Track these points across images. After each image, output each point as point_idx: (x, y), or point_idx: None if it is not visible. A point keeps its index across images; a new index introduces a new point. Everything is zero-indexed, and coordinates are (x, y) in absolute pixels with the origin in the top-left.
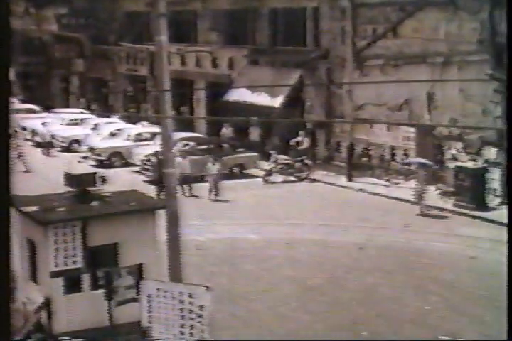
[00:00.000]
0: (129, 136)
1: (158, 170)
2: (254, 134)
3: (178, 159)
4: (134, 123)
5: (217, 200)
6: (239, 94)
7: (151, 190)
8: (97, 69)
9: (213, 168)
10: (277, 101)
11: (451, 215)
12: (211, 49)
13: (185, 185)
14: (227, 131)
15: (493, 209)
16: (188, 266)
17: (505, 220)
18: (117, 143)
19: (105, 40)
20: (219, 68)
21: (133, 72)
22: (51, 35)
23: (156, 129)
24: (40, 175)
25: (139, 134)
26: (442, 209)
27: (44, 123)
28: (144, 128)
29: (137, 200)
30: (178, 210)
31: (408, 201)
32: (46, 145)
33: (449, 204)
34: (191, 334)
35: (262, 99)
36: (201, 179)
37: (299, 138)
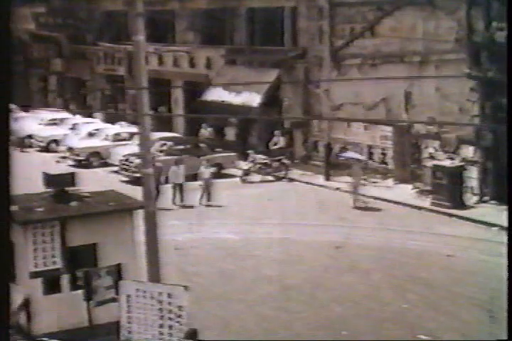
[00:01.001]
0: (107, 135)
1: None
2: (231, 134)
3: (173, 167)
4: (113, 123)
5: (209, 205)
6: (217, 94)
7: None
8: (75, 69)
9: (206, 171)
10: (255, 101)
11: (388, 208)
12: (189, 49)
13: (177, 194)
14: (206, 131)
15: (471, 207)
16: (166, 266)
17: (483, 218)
18: (96, 143)
19: (83, 40)
20: (197, 68)
21: (111, 72)
22: (29, 34)
23: (134, 129)
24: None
25: (117, 134)
26: (420, 208)
27: (16, 120)
28: (122, 128)
29: (115, 200)
30: (156, 210)
31: (386, 200)
32: (21, 144)
33: (426, 202)
34: (170, 335)
35: (240, 98)
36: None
37: (275, 139)
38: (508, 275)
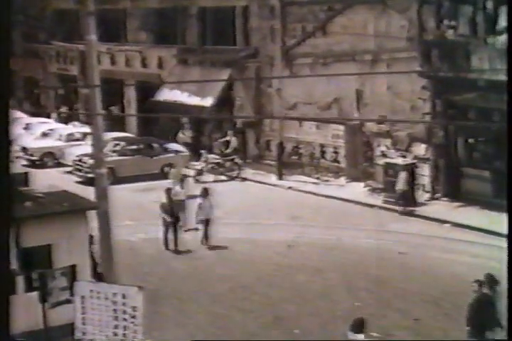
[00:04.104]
0: (60, 136)
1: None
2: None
3: (198, 200)
4: (66, 123)
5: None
6: (169, 94)
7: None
8: (28, 68)
9: (180, 193)
10: (208, 101)
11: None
12: (141, 48)
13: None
14: (185, 136)
15: (422, 204)
16: (120, 267)
17: (435, 215)
18: (49, 143)
19: (35, 38)
20: (149, 68)
21: (64, 72)
22: None
23: (87, 129)
24: None
25: (70, 134)
26: (372, 206)
27: None
28: (76, 128)
29: (69, 201)
30: (109, 211)
31: (338, 198)
32: None
33: (378, 200)
34: (124, 335)
35: (192, 98)
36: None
37: (227, 138)
38: (508, 275)
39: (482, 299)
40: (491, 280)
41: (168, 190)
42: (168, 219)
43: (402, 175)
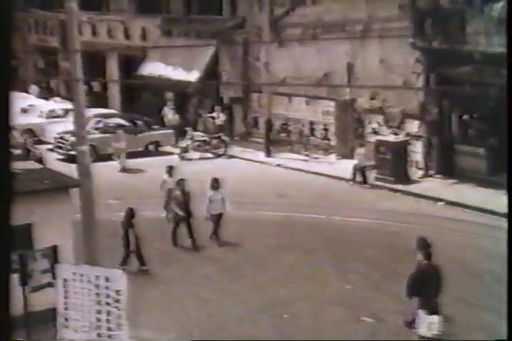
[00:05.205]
0: (41, 112)
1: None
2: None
3: (209, 193)
4: (47, 99)
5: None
6: (154, 68)
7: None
8: None
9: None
10: (193, 75)
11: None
12: (123, 18)
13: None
14: (172, 117)
15: (416, 181)
16: (103, 248)
17: (428, 193)
18: (29, 119)
19: (13, 6)
20: (132, 39)
21: (44, 43)
22: None
23: (69, 105)
24: None
25: (51, 111)
26: (363, 183)
27: None
28: (57, 104)
29: (51, 178)
30: (92, 189)
31: (328, 175)
32: None
33: (370, 177)
34: (108, 321)
35: (177, 73)
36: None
37: (214, 114)
38: (508, 273)
39: (422, 269)
40: (424, 245)
41: (180, 181)
42: (180, 213)
43: (360, 151)
